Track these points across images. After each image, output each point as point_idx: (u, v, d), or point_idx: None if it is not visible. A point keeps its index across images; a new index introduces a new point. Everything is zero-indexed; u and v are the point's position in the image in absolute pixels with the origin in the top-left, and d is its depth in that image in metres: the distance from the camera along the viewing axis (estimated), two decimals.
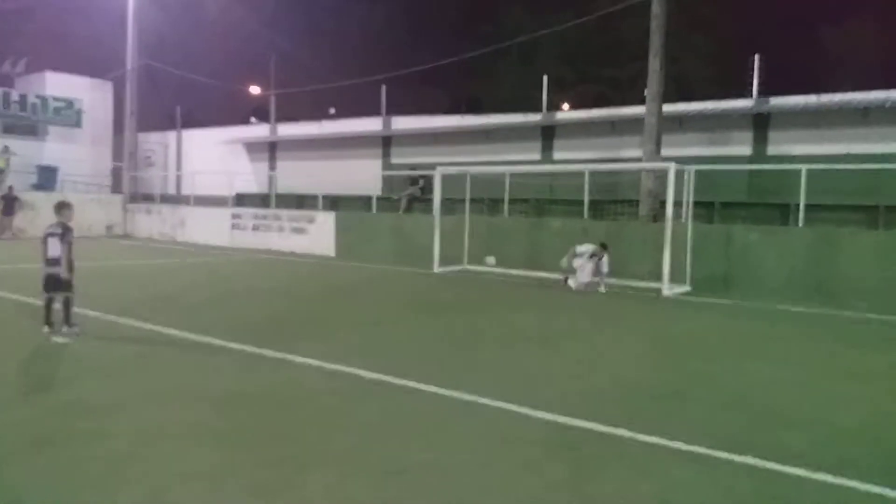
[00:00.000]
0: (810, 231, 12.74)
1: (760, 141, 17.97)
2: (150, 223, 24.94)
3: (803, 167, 13.22)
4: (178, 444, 4.18)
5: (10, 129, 24.63)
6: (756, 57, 19.12)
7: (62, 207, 7.31)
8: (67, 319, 7.23)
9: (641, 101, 16.27)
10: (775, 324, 9.73)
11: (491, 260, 15.24)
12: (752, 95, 18.98)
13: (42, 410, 4.78)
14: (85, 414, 4.68)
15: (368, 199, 21.29)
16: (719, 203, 15.67)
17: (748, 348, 7.90)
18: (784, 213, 14.76)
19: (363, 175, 24.04)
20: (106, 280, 12.36)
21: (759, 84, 18.97)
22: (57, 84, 25.95)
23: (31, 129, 25.29)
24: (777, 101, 18.12)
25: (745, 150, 18.15)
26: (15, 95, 24.40)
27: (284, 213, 20.89)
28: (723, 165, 16.27)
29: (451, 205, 16.70)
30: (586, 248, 12.92)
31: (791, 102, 17.75)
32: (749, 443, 4.43)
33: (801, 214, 13.21)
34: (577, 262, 12.79)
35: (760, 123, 17.99)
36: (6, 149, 23.47)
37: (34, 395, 5.23)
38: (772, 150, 17.73)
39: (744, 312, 10.57)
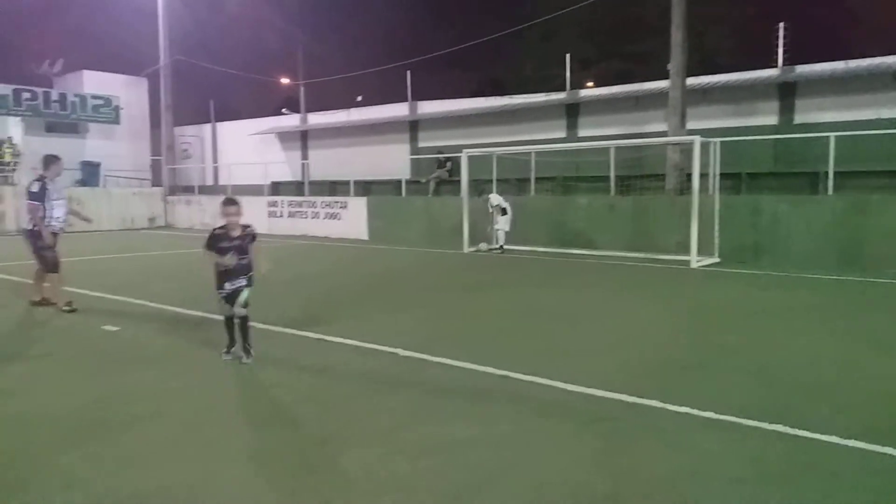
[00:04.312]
0: (840, 199, 12.69)
1: (787, 110, 17.85)
2: (191, 214, 25.73)
3: (832, 135, 13.21)
4: (228, 426, 4.33)
5: (52, 128, 25.48)
6: (781, 25, 18.94)
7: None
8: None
9: (665, 76, 16.28)
10: (805, 293, 9.72)
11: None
12: (777, 65, 18.81)
13: (100, 396, 4.93)
14: (141, 399, 4.85)
15: (398, 183, 21.72)
16: (746, 174, 15.67)
17: (777, 318, 7.86)
18: (813, 181, 14.72)
19: (392, 160, 24.47)
20: (154, 270, 13.02)
21: (785, 53, 18.79)
22: (94, 82, 26.76)
23: (73, 127, 26.12)
24: (803, 69, 17.95)
25: (772, 119, 18.05)
26: (55, 95, 25.15)
27: (318, 199, 21.42)
28: (749, 136, 16.28)
29: (478, 186, 17.01)
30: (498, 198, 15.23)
31: (818, 70, 17.56)
32: (779, 411, 4.43)
33: (831, 182, 13.20)
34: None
35: (786, 92, 17.86)
36: (9, 140, 23.89)
37: (92, 381, 5.36)
38: (799, 118, 17.61)
39: (773, 282, 10.62)
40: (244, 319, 5.87)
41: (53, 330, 7.42)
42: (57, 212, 8.33)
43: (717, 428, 4.25)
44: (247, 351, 5.85)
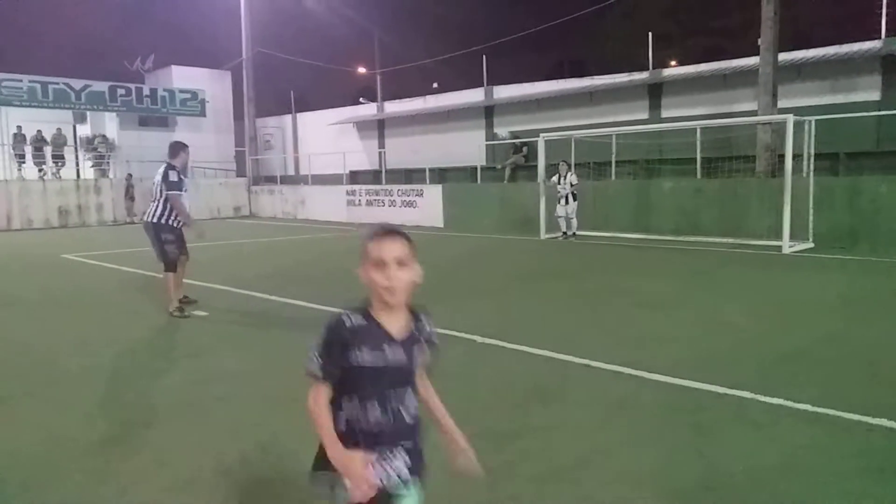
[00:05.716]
0: None
1: (891, 85, 16.63)
2: (273, 203, 26.50)
3: None
4: (301, 409, 4.49)
5: (144, 122, 26.75)
6: None
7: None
8: None
9: (755, 51, 15.49)
10: None
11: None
12: (879, 36, 17.54)
13: (186, 378, 5.14)
14: (221, 381, 5.02)
15: (473, 169, 21.63)
16: (844, 154, 14.80)
17: (878, 306, 7.38)
18: None
19: (467, 146, 24.35)
20: (238, 257, 13.47)
21: (888, 23, 17.54)
22: (182, 77, 27.85)
23: (163, 121, 27.33)
24: None
25: (874, 95, 16.86)
26: (146, 90, 26.35)
27: (395, 188, 21.60)
28: (847, 114, 15.29)
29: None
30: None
31: None
32: (883, 405, 4.14)
33: None
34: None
35: (891, 65, 16.63)
36: (102, 136, 25.44)
37: (180, 364, 5.60)
38: None
39: (873, 269, 9.99)
40: None
41: (144, 314, 7.71)
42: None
43: (814, 421, 4.00)
44: None
